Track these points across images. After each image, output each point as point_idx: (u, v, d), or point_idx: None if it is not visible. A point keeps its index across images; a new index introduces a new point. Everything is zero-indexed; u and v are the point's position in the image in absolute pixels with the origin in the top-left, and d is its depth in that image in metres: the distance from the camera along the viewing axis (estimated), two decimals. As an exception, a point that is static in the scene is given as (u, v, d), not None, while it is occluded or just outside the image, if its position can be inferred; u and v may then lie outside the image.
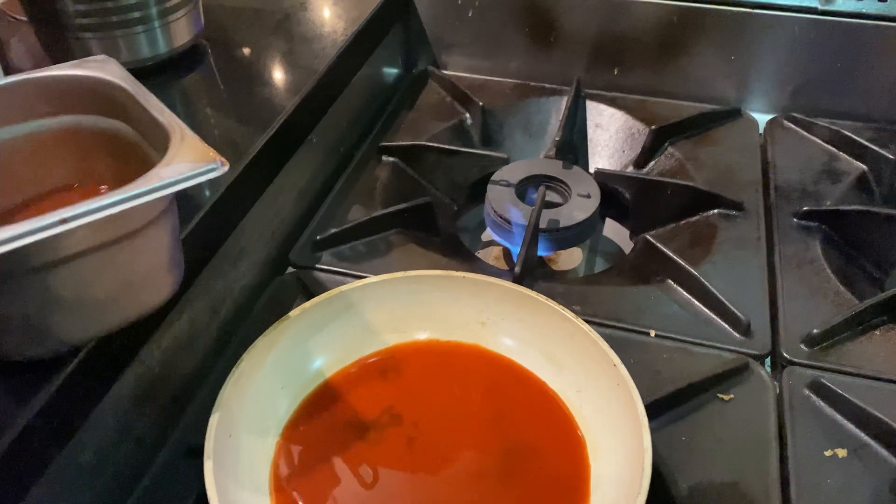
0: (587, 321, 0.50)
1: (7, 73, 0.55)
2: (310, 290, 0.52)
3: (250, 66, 0.61)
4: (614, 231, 0.69)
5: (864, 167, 0.64)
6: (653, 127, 0.66)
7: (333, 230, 0.56)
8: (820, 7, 0.65)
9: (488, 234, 0.70)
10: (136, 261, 0.35)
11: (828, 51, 0.67)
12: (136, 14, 0.56)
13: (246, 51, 0.62)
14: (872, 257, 0.58)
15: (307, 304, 0.43)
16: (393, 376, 0.44)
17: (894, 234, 0.57)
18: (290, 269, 0.55)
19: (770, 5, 0.66)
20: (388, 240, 0.57)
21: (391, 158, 0.65)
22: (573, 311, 0.51)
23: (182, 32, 0.59)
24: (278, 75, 0.59)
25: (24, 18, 0.58)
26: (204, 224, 0.45)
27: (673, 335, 0.49)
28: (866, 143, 0.64)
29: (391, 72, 0.77)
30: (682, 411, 0.45)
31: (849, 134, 0.65)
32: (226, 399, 0.37)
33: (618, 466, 0.38)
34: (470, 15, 0.74)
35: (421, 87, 0.75)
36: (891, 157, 0.62)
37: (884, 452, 0.42)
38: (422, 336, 0.45)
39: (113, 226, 0.32)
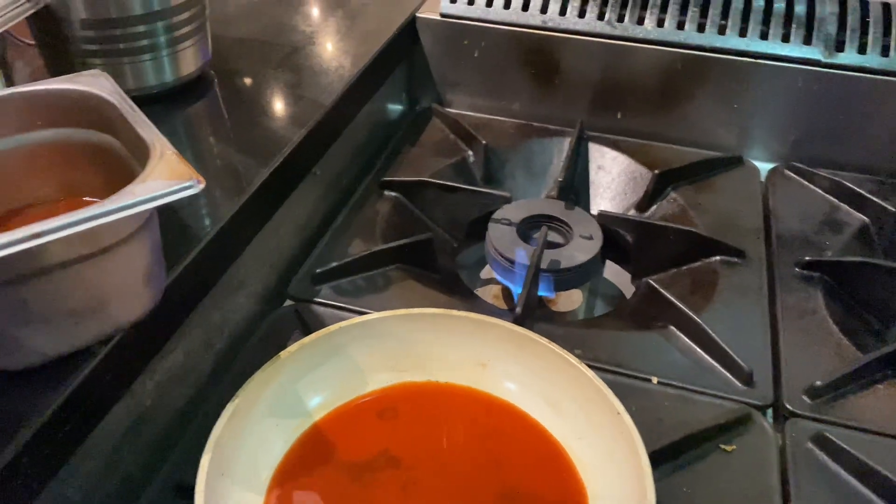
0: (588, 366, 0.50)
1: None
2: (307, 323, 0.51)
3: (256, 97, 0.61)
4: (615, 274, 0.69)
5: (866, 219, 0.64)
6: (656, 171, 0.66)
7: (333, 264, 0.55)
8: (823, 60, 0.66)
9: (487, 271, 0.70)
10: (110, 276, 0.35)
11: (830, 102, 0.68)
12: (144, 42, 0.56)
13: (252, 82, 0.62)
14: (874, 309, 0.58)
15: (305, 339, 0.42)
16: (389, 417, 0.43)
17: (892, 286, 0.57)
18: (288, 302, 0.55)
19: (774, 56, 0.67)
20: (387, 275, 0.57)
21: (393, 193, 0.65)
22: (574, 354, 0.50)
23: (189, 62, 0.59)
24: (284, 108, 0.59)
25: (32, 42, 0.58)
26: (204, 255, 0.44)
27: (675, 382, 0.49)
28: (867, 195, 0.64)
29: (395, 108, 0.77)
30: (684, 461, 0.44)
31: (850, 185, 0.65)
32: (219, 437, 0.36)
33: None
34: (476, 55, 0.75)
35: (424, 124, 0.75)
36: (892, 209, 0.62)
37: (888, 510, 0.41)
38: (420, 377, 0.45)
39: (86, 241, 0.33)
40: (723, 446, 0.45)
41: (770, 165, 0.71)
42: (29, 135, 0.40)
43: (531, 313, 0.53)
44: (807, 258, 0.58)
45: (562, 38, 0.72)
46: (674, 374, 0.49)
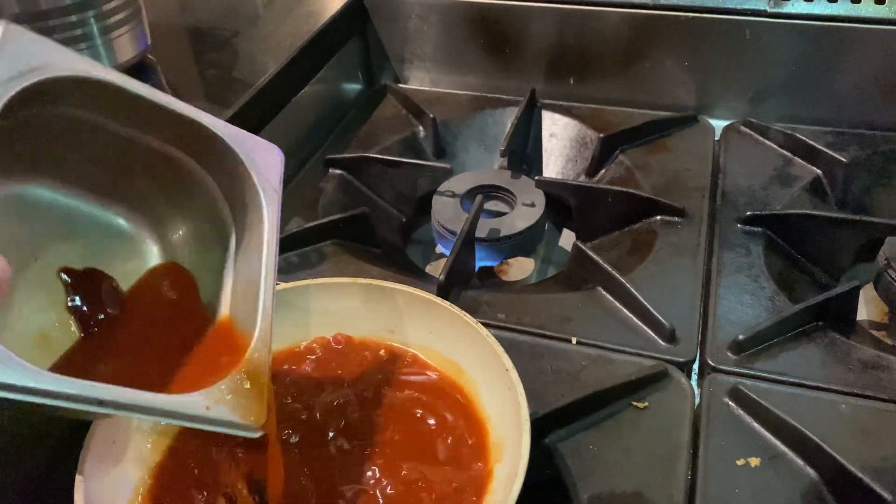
0: (509, 329, 0.49)
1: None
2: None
3: (194, 82, 0.61)
4: (571, 241, 0.68)
5: (818, 171, 0.62)
6: (602, 135, 0.65)
7: (266, 241, 0.56)
8: (769, 10, 0.64)
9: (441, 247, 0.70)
10: None
11: (782, 54, 0.66)
12: (78, 31, 0.57)
13: (191, 67, 0.63)
14: (821, 263, 0.56)
15: (208, 312, 0.43)
16: (295, 374, 0.43)
17: (843, 237, 0.55)
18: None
19: (719, 9, 0.65)
20: (321, 251, 0.57)
21: (337, 171, 0.65)
22: (497, 318, 0.51)
23: (126, 49, 0.60)
24: (217, 91, 0.60)
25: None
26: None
27: (594, 342, 0.48)
28: (821, 148, 0.62)
29: (352, 87, 0.77)
30: (594, 419, 0.43)
31: (804, 138, 0.63)
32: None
33: (510, 468, 0.36)
34: (426, 30, 0.74)
35: (378, 102, 0.75)
36: (844, 159, 0.60)
37: (798, 462, 0.40)
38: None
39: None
40: (635, 403, 0.44)
41: (726, 122, 0.69)
42: None
43: (459, 281, 0.53)
44: (748, 213, 0.56)
45: (512, 5, 0.71)
46: (595, 335, 0.49)
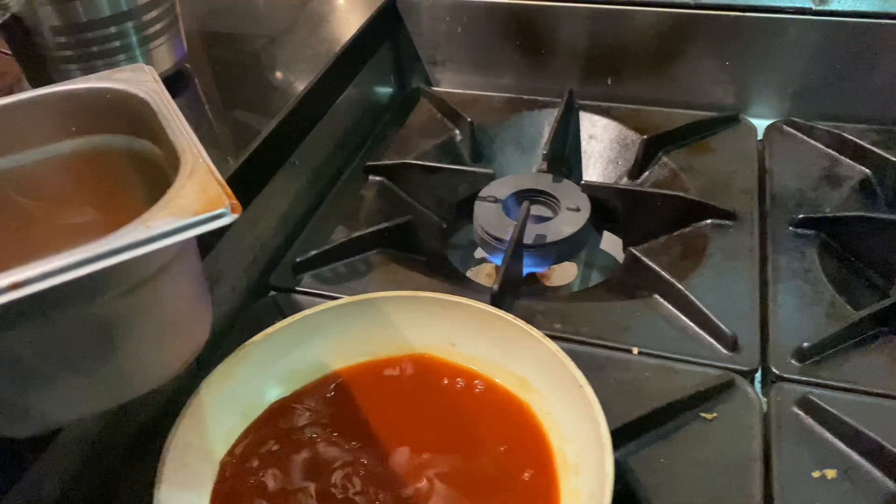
0: (568, 339, 0.49)
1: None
2: (286, 313, 0.51)
3: (233, 90, 0.61)
4: (612, 244, 0.68)
5: (867, 171, 0.61)
6: (645, 136, 0.64)
7: (312, 252, 0.55)
8: (814, 7, 0.63)
9: (481, 251, 0.69)
10: (131, 327, 0.28)
11: (826, 52, 0.65)
12: (117, 43, 0.57)
13: (229, 76, 0.62)
14: (875, 265, 0.56)
15: (269, 329, 0.43)
16: (359, 394, 0.43)
17: (891, 238, 0.54)
18: (272, 293, 0.55)
19: (764, 7, 0.64)
20: (368, 260, 0.56)
21: (377, 178, 0.65)
22: (554, 329, 0.50)
23: (164, 59, 0.60)
24: (258, 99, 0.59)
25: (7, 52, 0.59)
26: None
27: (656, 352, 0.47)
28: (869, 146, 0.61)
29: (384, 91, 0.77)
30: (663, 432, 0.43)
31: (851, 137, 0.62)
32: (179, 432, 0.36)
33: (590, 486, 0.36)
34: (459, 31, 0.74)
35: (412, 106, 0.74)
36: (894, 158, 0.59)
37: (876, 473, 0.40)
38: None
39: (86, 289, 0.26)
40: (703, 414, 0.43)
41: (769, 121, 0.68)
42: (63, 143, 0.34)
43: (514, 289, 0.53)
44: (801, 216, 0.56)
45: (546, 6, 0.70)
46: (655, 344, 0.48)
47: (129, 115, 0.33)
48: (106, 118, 0.34)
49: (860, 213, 0.55)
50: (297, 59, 0.64)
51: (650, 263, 0.52)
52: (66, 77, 0.57)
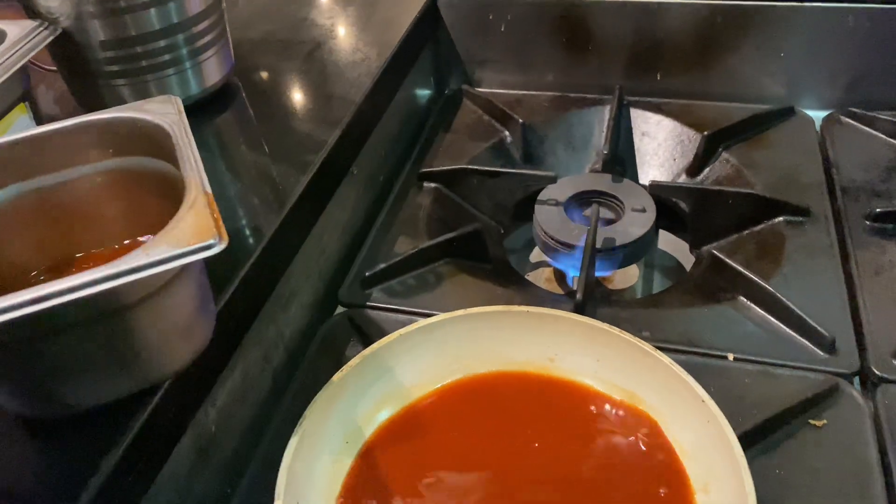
0: (658, 348, 0.47)
1: (39, 122, 0.54)
2: (363, 330, 0.50)
3: (284, 100, 0.59)
4: (669, 243, 0.66)
5: (935, 160, 0.60)
6: (705, 133, 0.63)
7: (381, 266, 0.54)
8: (874, -5, 0.61)
9: (536, 254, 0.68)
10: (143, 330, 0.33)
11: (884, 40, 0.64)
12: (166, 57, 0.55)
13: (278, 85, 0.61)
14: (955, 256, 0.55)
15: (365, 351, 0.41)
16: (463, 416, 0.41)
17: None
18: (340, 309, 0.53)
19: (820, -3, 0.63)
20: (437, 271, 0.55)
21: (432, 184, 0.63)
22: (642, 337, 0.48)
23: (213, 72, 0.58)
24: (314, 109, 0.57)
25: (53, 68, 0.57)
26: (252, 273, 0.43)
27: (753, 357, 0.46)
28: (934, 134, 0.60)
29: (424, 93, 0.75)
30: (773, 441, 0.42)
31: (914, 125, 0.62)
32: (290, 464, 0.35)
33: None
34: (502, 29, 0.72)
35: (456, 108, 0.73)
36: (964, 147, 0.59)
37: None
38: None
39: (106, 300, 0.31)
40: (812, 421, 0.42)
41: (825, 113, 0.67)
42: (102, 163, 0.39)
43: (591, 298, 0.51)
44: (877, 210, 0.55)
45: (592, 2, 0.68)
46: (750, 349, 0.47)
47: (156, 141, 0.38)
48: (138, 143, 0.39)
49: (939, 204, 0.53)
50: (348, 65, 0.62)
51: (733, 264, 0.51)
52: (114, 92, 0.55)
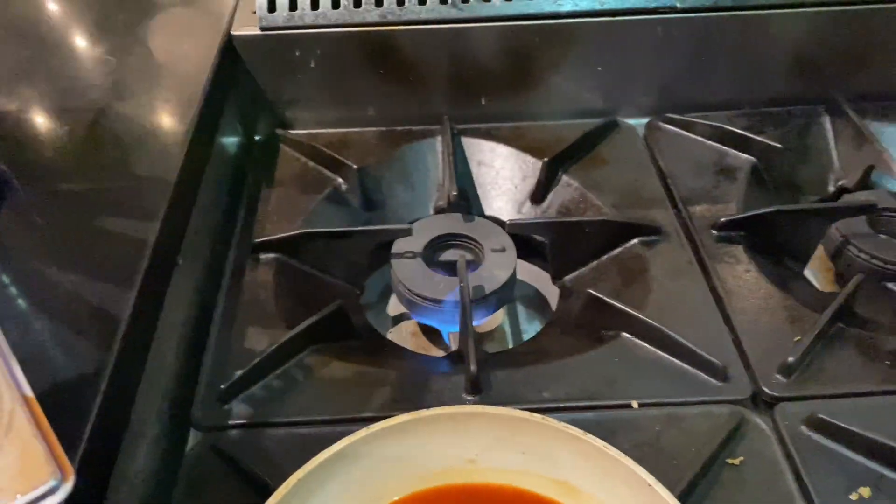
0: (563, 408, 0.45)
1: None
2: (235, 459, 0.42)
3: (80, 195, 0.47)
4: (524, 272, 0.64)
5: (753, 159, 0.63)
6: (545, 159, 0.62)
7: (238, 373, 0.46)
8: (679, 5, 0.63)
9: (394, 305, 0.63)
10: None
11: (689, 47, 0.66)
12: None
13: (66, 173, 0.49)
14: (790, 252, 0.58)
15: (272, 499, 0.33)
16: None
17: (806, 227, 0.57)
18: (195, 433, 0.45)
19: (630, 10, 0.63)
20: (303, 364, 0.48)
21: (271, 255, 0.55)
22: (542, 398, 0.46)
23: (-29, 166, 0.45)
24: (121, 197, 0.47)
25: None
26: (94, 433, 0.33)
27: (655, 400, 0.45)
28: (748, 135, 0.64)
29: (232, 144, 0.66)
30: (702, 492, 0.41)
31: (728, 127, 0.65)
32: None
33: None
34: (312, 65, 0.65)
35: (273, 157, 0.65)
36: (777, 145, 0.62)
37: (903, 480, 0.41)
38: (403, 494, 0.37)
39: None
40: (730, 461, 0.42)
41: (642, 121, 0.69)
42: None
43: (485, 365, 0.47)
44: (722, 219, 0.56)
45: (405, 30, 0.64)
46: (650, 391, 0.46)
47: None
48: None
49: (773, 208, 0.56)
50: (149, 134, 0.52)
51: (611, 301, 0.50)
52: None
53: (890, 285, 0.54)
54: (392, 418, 0.37)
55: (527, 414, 0.37)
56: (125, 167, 0.49)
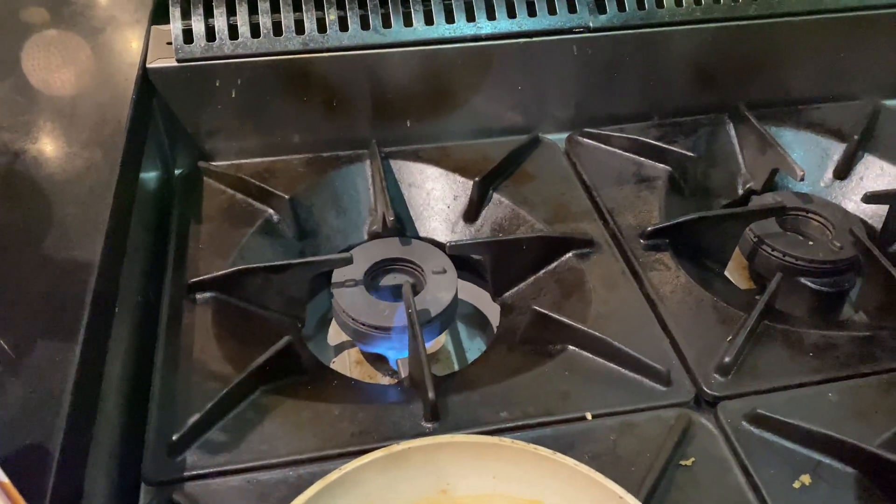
0: (522, 427, 0.46)
1: None
2: (194, 514, 0.40)
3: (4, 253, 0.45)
4: (463, 290, 0.65)
5: (669, 168, 0.66)
6: (476, 179, 0.63)
7: (189, 421, 0.44)
8: (592, 25, 0.66)
9: (334, 333, 0.62)
10: None
11: (601, 63, 0.69)
12: None
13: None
14: (711, 255, 0.61)
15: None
16: None
17: (724, 230, 0.61)
18: (147, 489, 0.43)
19: (546, 31, 0.66)
20: (256, 404, 0.47)
21: (207, 294, 0.54)
22: (500, 419, 0.47)
23: None
24: (47, 252, 0.44)
25: None
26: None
27: (607, 410, 0.47)
28: (662, 145, 0.67)
29: (151, 179, 0.63)
30: (660, 496, 0.42)
31: (643, 139, 0.68)
32: None
33: None
34: (233, 95, 0.64)
35: (198, 191, 0.63)
36: (690, 153, 0.66)
37: (838, 465, 0.44)
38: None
39: None
40: (682, 462, 0.44)
41: (562, 136, 0.71)
42: None
43: (439, 389, 0.47)
44: (649, 228, 0.59)
45: (328, 57, 0.64)
46: (601, 401, 0.47)
47: None
48: None
49: (696, 214, 0.59)
50: (71, 180, 0.49)
51: (556, 316, 0.51)
52: None
53: (804, 280, 0.58)
54: (363, 456, 0.37)
55: (496, 439, 0.38)
56: (49, 216, 0.46)
